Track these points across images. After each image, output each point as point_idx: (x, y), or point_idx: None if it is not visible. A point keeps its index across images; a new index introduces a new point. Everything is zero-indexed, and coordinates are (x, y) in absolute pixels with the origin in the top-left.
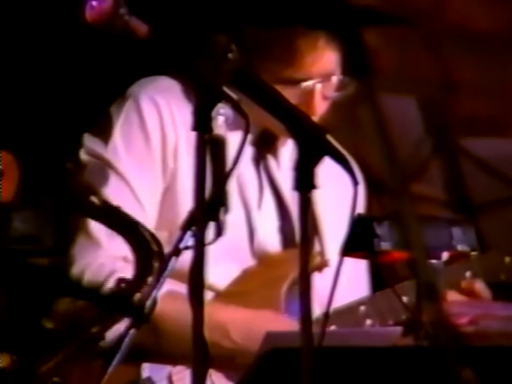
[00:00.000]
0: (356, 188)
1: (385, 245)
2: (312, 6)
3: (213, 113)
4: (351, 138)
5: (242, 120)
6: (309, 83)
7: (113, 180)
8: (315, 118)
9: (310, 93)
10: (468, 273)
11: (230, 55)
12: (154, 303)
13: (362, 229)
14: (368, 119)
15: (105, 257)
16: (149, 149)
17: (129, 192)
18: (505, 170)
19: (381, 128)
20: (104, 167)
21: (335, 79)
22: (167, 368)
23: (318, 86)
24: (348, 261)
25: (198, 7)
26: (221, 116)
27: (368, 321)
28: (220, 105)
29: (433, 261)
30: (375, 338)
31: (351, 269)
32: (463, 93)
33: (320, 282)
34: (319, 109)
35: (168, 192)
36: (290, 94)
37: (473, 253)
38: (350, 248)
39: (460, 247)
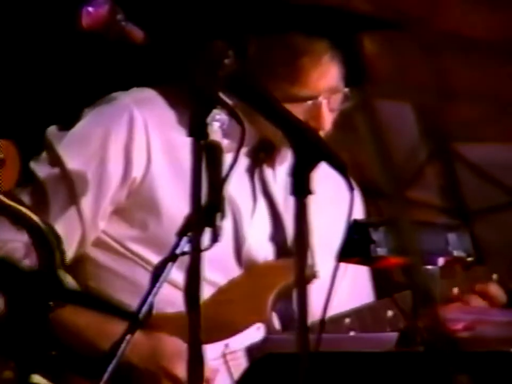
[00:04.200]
0: (352, 194)
1: (381, 251)
2: (309, 14)
3: (208, 119)
4: (347, 144)
5: (237, 126)
6: (315, 99)
7: (56, 178)
8: (323, 132)
9: (317, 108)
10: (455, 290)
11: (226, 61)
12: (151, 308)
13: (358, 235)
14: (364, 124)
15: (22, 242)
16: (104, 156)
17: (69, 195)
18: (500, 176)
19: (376, 134)
20: (52, 161)
21: (340, 92)
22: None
23: (325, 101)
24: (350, 268)
25: (196, 15)
26: (216, 122)
27: (352, 334)
28: (215, 111)
29: (429, 267)
30: (371, 344)
31: (353, 277)
32: (459, 98)
33: (310, 294)
34: (327, 123)
35: (149, 208)
36: (298, 110)
37: (469, 259)
38: (346, 253)
39: (455, 253)
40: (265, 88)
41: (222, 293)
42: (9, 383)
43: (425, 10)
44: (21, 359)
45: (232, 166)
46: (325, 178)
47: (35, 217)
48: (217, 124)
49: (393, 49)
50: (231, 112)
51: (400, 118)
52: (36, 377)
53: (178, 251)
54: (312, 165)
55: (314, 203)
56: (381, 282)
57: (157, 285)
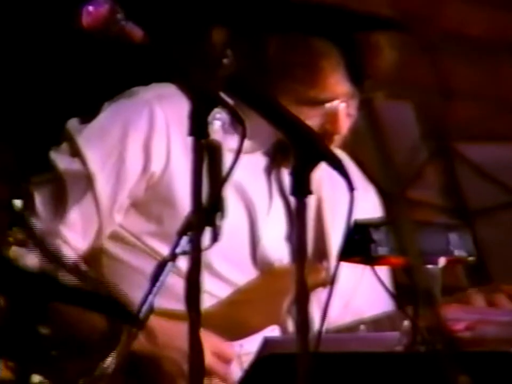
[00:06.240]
0: (352, 194)
1: (382, 250)
2: (309, 12)
3: (209, 119)
4: (348, 144)
5: (257, 127)
6: (333, 103)
7: (76, 169)
8: (340, 136)
9: (334, 112)
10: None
11: (225, 61)
12: (151, 309)
13: (359, 234)
14: (365, 124)
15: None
16: (123, 150)
17: (87, 187)
18: (501, 176)
19: (377, 134)
20: (72, 153)
21: (357, 97)
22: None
23: (342, 105)
24: (368, 274)
25: (196, 11)
26: (217, 121)
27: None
28: (216, 110)
29: (430, 267)
30: (372, 343)
31: (372, 283)
32: (459, 98)
33: (324, 297)
34: (344, 127)
35: (167, 203)
36: (315, 114)
37: (470, 259)
38: (347, 253)
39: (456, 253)
40: (263, 88)
41: (238, 293)
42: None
43: (426, 10)
44: (21, 359)
45: (233, 165)
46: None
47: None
48: (218, 123)
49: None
50: (232, 112)
51: (400, 118)
52: (36, 378)
53: (178, 250)
54: (312, 165)
55: (333, 206)
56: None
57: (157, 284)
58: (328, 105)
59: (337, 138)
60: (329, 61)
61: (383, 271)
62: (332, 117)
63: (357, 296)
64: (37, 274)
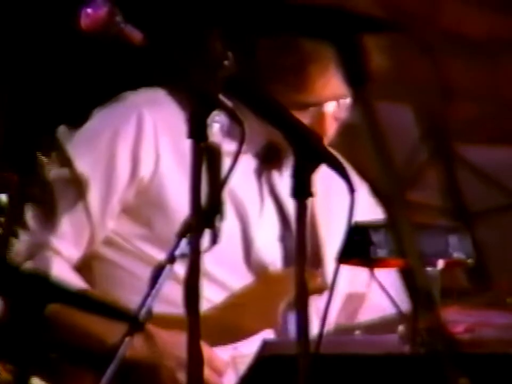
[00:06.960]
0: (353, 196)
1: (381, 252)
2: (307, 14)
3: (208, 121)
4: (347, 146)
5: (238, 128)
6: (319, 107)
7: (65, 178)
8: (326, 139)
9: (321, 115)
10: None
11: (225, 62)
12: (150, 311)
13: (358, 236)
14: (364, 126)
15: (28, 243)
16: (112, 156)
17: (77, 195)
18: (501, 178)
19: (376, 135)
20: (60, 162)
21: (345, 101)
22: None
23: (329, 109)
24: (380, 278)
25: (195, 13)
26: (216, 123)
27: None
28: (215, 112)
29: (429, 269)
30: (372, 345)
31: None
32: (459, 98)
33: (322, 303)
34: (330, 130)
35: (157, 207)
36: (301, 117)
37: (469, 261)
38: (346, 255)
39: (456, 255)
40: (265, 90)
41: (232, 297)
42: None
43: (425, 10)
44: (20, 361)
45: (232, 167)
46: (340, 185)
47: None
48: (217, 125)
49: (392, 49)
50: (231, 114)
51: (400, 119)
52: (35, 381)
53: (177, 253)
54: (313, 167)
55: (326, 209)
56: None
57: (156, 286)
58: (314, 109)
59: (324, 141)
60: (317, 65)
61: (392, 274)
62: (319, 120)
63: (370, 299)
64: (36, 277)
